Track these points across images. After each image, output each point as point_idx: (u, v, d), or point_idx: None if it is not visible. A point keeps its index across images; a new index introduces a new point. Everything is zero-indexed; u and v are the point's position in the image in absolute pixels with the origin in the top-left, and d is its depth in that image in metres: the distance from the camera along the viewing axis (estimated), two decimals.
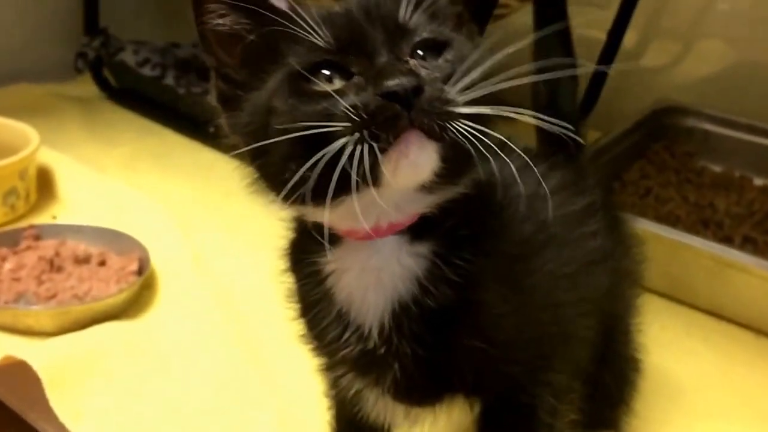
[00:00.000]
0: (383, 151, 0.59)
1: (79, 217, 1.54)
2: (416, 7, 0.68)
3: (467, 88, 0.63)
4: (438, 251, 0.71)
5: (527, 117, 0.67)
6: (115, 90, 2.21)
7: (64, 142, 1.87)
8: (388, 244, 0.70)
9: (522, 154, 0.68)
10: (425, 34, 0.67)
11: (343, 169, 0.59)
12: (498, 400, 0.79)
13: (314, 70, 0.64)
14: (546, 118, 0.68)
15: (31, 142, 1.56)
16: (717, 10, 2.01)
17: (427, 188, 0.65)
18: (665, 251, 1.36)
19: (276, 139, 0.63)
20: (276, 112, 0.64)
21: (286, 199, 0.66)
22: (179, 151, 1.95)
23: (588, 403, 0.88)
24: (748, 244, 1.53)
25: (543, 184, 0.76)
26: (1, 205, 1.49)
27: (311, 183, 0.61)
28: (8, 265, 1.30)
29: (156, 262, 1.36)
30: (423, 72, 0.64)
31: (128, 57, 2.10)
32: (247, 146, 0.69)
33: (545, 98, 1.03)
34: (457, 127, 0.61)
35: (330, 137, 0.60)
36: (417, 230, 0.70)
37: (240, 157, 0.72)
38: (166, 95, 2.05)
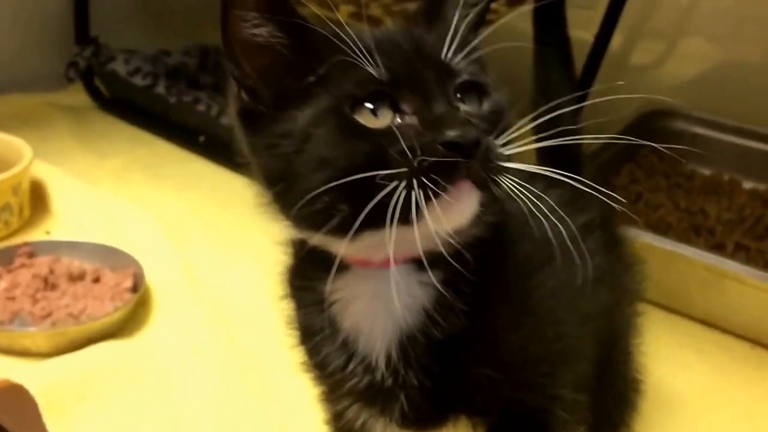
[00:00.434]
0: (436, 196, 0.60)
1: (73, 232, 1.54)
2: (456, 48, 0.68)
3: (509, 141, 0.64)
4: (446, 280, 0.70)
5: (567, 178, 0.67)
6: (106, 99, 2.21)
7: (56, 153, 1.86)
8: (397, 272, 0.69)
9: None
10: (466, 77, 0.68)
11: (383, 205, 0.59)
12: (507, 417, 0.78)
13: (363, 101, 0.63)
14: (588, 182, 0.68)
15: (24, 156, 1.55)
16: (702, 11, 2.01)
17: (456, 230, 0.65)
18: (659, 261, 1.35)
19: (323, 178, 0.61)
20: (316, 141, 0.63)
21: (304, 227, 0.66)
22: (171, 161, 1.95)
23: (589, 425, 0.88)
24: (740, 251, 1.53)
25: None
26: None
27: (344, 216, 0.61)
28: (2, 284, 1.30)
29: (150, 278, 1.36)
30: (474, 121, 0.64)
31: (119, 66, 2.10)
32: (268, 168, 0.67)
33: (545, 113, 1.04)
34: (505, 182, 0.62)
35: (380, 175, 0.60)
36: (426, 259, 0.68)
37: (249, 174, 0.71)
38: (157, 104, 2.04)
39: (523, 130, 0.68)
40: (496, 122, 0.67)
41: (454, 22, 0.69)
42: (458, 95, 0.67)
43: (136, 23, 2.46)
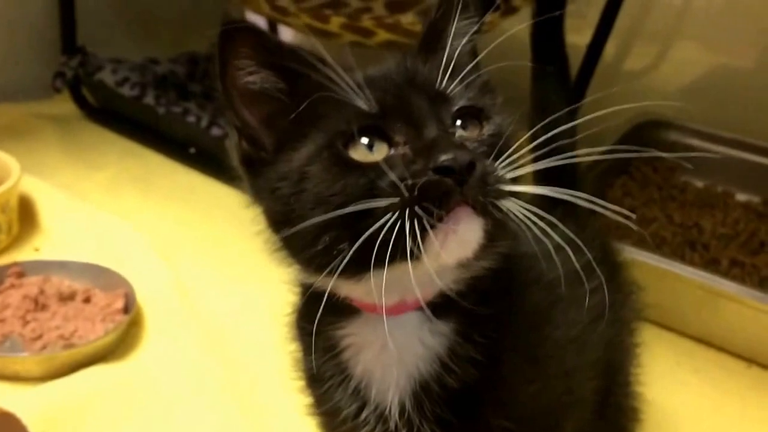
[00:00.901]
0: (432, 226, 0.58)
1: (62, 249, 1.52)
2: (451, 75, 0.67)
3: (511, 164, 0.63)
4: (460, 329, 0.69)
5: (578, 199, 0.65)
6: (94, 109, 2.19)
7: (44, 166, 1.85)
8: (410, 321, 0.68)
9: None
10: (463, 103, 0.66)
11: (384, 242, 0.58)
12: None
13: (355, 135, 0.62)
14: (600, 202, 0.67)
15: (12, 173, 1.53)
16: (696, 17, 2.01)
17: (463, 263, 0.64)
18: (654, 279, 1.35)
19: (316, 216, 0.61)
20: (312, 179, 0.62)
21: (312, 270, 0.65)
22: (160, 173, 1.93)
23: None
24: (735, 267, 1.53)
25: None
26: None
27: (346, 256, 0.60)
28: None
29: (141, 297, 1.34)
30: (471, 145, 0.63)
31: (107, 76, 2.07)
32: (272, 212, 0.67)
33: (542, 132, 1.03)
34: (508, 206, 0.60)
35: (375, 211, 0.58)
36: (438, 306, 0.67)
37: (240, 187, 0.70)
38: (146, 115, 2.02)
39: (522, 151, 0.67)
40: (497, 144, 0.65)
41: (448, 48, 0.69)
42: (458, 122, 0.66)
43: (123, 31, 2.44)
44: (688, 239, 1.62)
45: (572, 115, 1.05)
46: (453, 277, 0.66)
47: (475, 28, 0.73)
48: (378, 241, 0.58)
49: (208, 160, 1.89)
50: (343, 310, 0.67)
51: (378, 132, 0.63)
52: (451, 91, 0.67)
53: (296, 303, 0.78)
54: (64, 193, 1.70)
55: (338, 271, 0.61)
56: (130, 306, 1.30)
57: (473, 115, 0.67)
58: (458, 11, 0.71)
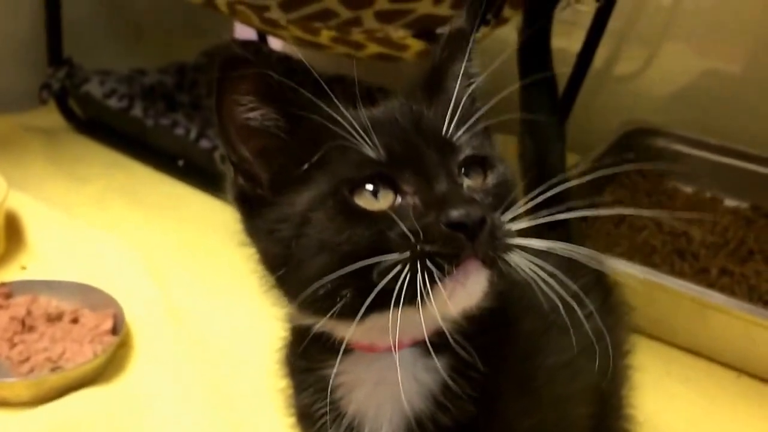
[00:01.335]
0: (441, 279, 0.58)
1: (50, 267, 1.51)
2: (456, 122, 0.66)
3: (516, 216, 0.63)
4: (454, 365, 0.68)
5: (580, 255, 0.66)
6: (81, 121, 2.17)
7: (30, 178, 1.85)
8: (403, 357, 0.67)
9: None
10: (469, 152, 0.66)
11: (388, 290, 0.57)
12: None
13: (363, 183, 0.62)
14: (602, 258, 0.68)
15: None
16: (684, 23, 2.01)
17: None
18: (644, 292, 1.35)
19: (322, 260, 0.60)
20: (315, 225, 0.61)
21: (309, 313, 0.64)
22: (149, 186, 1.92)
23: None
24: (724, 276, 1.53)
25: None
26: None
27: (347, 301, 0.59)
28: None
29: (130, 316, 1.33)
30: (478, 197, 0.63)
31: (94, 88, 2.06)
32: (269, 254, 0.66)
33: (533, 156, 1.03)
34: (515, 260, 0.61)
35: (383, 262, 0.58)
36: (433, 342, 0.66)
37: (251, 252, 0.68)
38: (133, 127, 2.01)
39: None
40: (502, 196, 0.65)
41: (454, 96, 0.68)
42: (462, 170, 0.65)
43: (110, 42, 2.42)
44: (677, 248, 1.62)
45: (561, 132, 1.05)
46: (453, 319, 0.66)
47: (477, 71, 0.73)
48: (384, 291, 0.58)
49: (196, 173, 1.88)
50: (334, 347, 0.66)
51: (384, 179, 0.62)
52: (458, 139, 0.66)
53: (286, 339, 0.77)
54: (52, 208, 1.69)
55: (335, 314, 0.61)
56: (119, 326, 1.29)
57: (478, 163, 0.67)
58: (467, 55, 0.71)
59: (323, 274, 0.60)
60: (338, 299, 0.60)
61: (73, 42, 2.19)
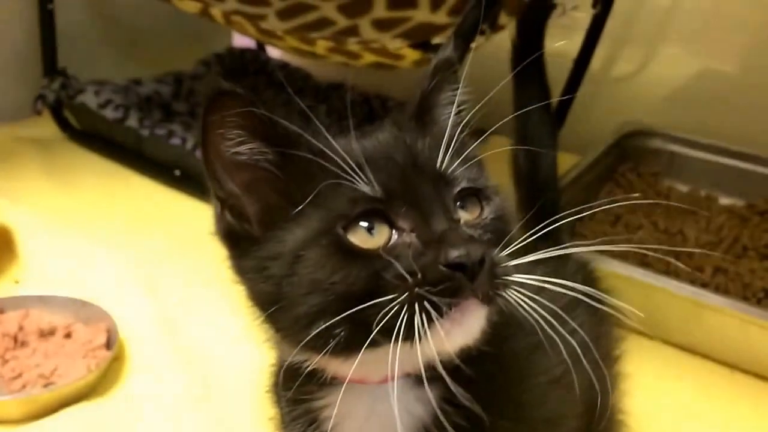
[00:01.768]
0: (438, 319, 0.57)
1: (43, 281, 1.50)
2: (450, 153, 0.65)
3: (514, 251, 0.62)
4: (445, 396, 0.67)
5: (577, 292, 0.66)
6: (76, 131, 2.17)
7: (25, 189, 1.85)
8: (394, 389, 0.65)
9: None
10: (465, 184, 0.65)
11: (385, 328, 0.57)
12: None
13: (357, 219, 0.60)
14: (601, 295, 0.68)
15: None
16: (681, 23, 2.01)
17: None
18: (639, 293, 1.35)
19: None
20: (308, 264, 0.60)
21: (301, 350, 0.63)
22: (144, 196, 1.92)
23: None
24: (719, 274, 1.53)
25: None
26: None
27: (341, 340, 0.59)
28: None
29: (124, 330, 1.33)
30: (476, 233, 0.62)
31: (89, 99, 2.05)
32: (259, 292, 0.64)
33: (526, 165, 1.02)
34: (514, 296, 0.60)
35: (381, 302, 0.57)
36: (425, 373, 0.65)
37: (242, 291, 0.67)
38: (129, 138, 2.01)
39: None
40: (500, 230, 0.65)
41: (448, 128, 0.66)
42: (458, 203, 0.64)
43: (106, 52, 2.41)
44: (672, 247, 1.61)
45: (554, 140, 1.05)
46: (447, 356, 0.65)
47: (466, 98, 0.72)
48: (375, 325, 0.57)
49: (193, 183, 1.87)
50: (324, 379, 0.65)
51: (380, 215, 0.61)
52: (452, 172, 0.65)
53: (275, 368, 0.76)
54: (45, 221, 1.69)
55: (329, 352, 0.60)
56: (112, 341, 1.29)
57: (474, 194, 0.66)
58: (451, 84, 0.71)
59: (316, 315, 0.59)
60: (332, 339, 0.59)
61: (69, 52, 2.17)
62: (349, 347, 0.59)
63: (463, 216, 0.64)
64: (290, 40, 1.76)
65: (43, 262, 1.57)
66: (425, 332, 0.57)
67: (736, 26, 1.92)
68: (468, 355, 0.65)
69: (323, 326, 0.59)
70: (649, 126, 1.93)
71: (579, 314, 0.82)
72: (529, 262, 0.80)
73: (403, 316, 0.57)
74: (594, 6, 1.88)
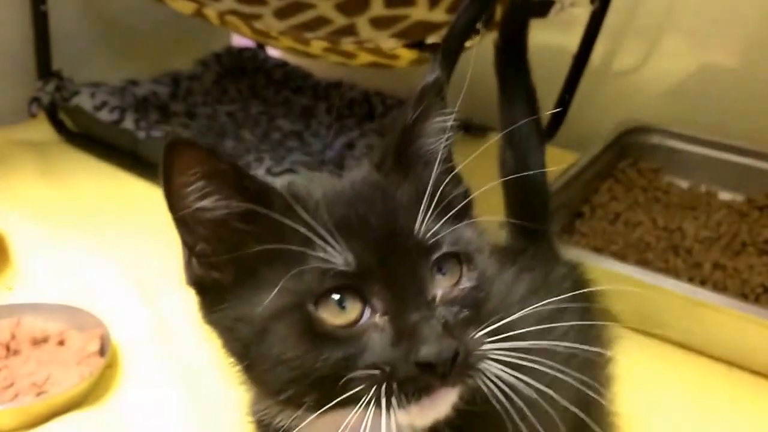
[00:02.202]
0: (406, 405, 0.57)
1: (36, 287, 1.49)
2: (433, 212, 0.62)
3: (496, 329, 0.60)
4: None
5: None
6: (72, 133, 2.16)
7: (20, 192, 1.84)
8: None
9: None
10: (446, 249, 0.62)
11: (353, 399, 0.57)
12: None
13: (329, 293, 0.58)
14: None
15: None
16: (681, 18, 2.00)
17: None
18: (637, 291, 1.34)
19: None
20: (276, 338, 0.58)
21: (273, 404, 0.62)
22: (140, 199, 1.89)
23: None
24: (717, 270, 1.52)
25: None
26: None
27: (310, 404, 0.58)
28: None
29: (117, 337, 1.32)
30: (451, 315, 0.60)
31: (84, 101, 2.04)
32: (228, 346, 0.63)
33: (513, 165, 1.01)
34: (485, 369, 0.59)
35: (351, 383, 0.57)
36: None
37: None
38: (125, 140, 1.99)
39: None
40: (478, 301, 0.62)
41: (432, 178, 0.63)
42: (437, 267, 0.62)
43: (101, 53, 2.40)
44: (671, 244, 1.61)
45: (541, 141, 1.04)
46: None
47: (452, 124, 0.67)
48: (344, 396, 0.57)
49: None
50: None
51: (353, 290, 0.58)
52: (433, 235, 0.62)
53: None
54: (40, 225, 1.68)
55: (299, 412, 0.60)
56: (105, 348, 1.28)
57: (454, 256, 0.63)
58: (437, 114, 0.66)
59: (285, 385, 0.58)
60: (299, 404, 0.59)
61: (63, 54, 2.17)
62: (319, 408, 0.58)
63: (441, 283, 0.62)
64: (285, 41, 1.75)
65: (36, 268, 1.56)
66: (394, 411, 0.56)
67: (736, 21, 1.91)
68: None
69: (291, 394, 0.58)
70: (648, 122, 1.91)
71: (566, 320, 0.81)
72: (515, 269, 0.79)
73: (371, 397, 0.56)
74: (592, 2, 1.87)
